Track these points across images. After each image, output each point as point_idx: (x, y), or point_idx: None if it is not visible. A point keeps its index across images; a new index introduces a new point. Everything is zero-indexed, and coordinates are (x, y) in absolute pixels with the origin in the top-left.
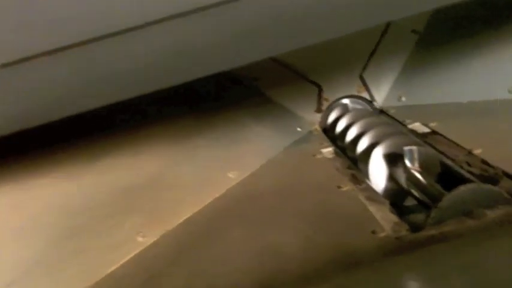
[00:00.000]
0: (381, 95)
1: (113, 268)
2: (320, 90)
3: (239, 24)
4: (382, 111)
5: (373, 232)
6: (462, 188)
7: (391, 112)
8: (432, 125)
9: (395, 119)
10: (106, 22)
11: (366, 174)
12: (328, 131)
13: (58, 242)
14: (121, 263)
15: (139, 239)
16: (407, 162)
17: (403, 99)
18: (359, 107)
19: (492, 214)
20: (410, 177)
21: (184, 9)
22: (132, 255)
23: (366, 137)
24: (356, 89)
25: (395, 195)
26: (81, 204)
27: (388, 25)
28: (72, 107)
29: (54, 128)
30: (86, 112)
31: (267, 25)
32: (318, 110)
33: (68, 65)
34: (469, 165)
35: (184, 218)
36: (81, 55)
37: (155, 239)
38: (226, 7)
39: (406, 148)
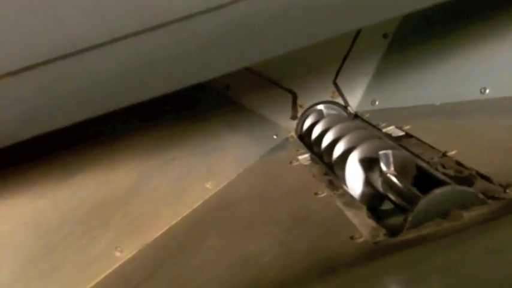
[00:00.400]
0: (355, 100)
1: (92, 284)
2: (294, 97)
3: (205, 37)
4: (356, 116)
5: (352, 238)
6: (438, 191)
7: (366, 116)
8: (406, 128)
9: (370, 123)
10: (70, 40)
11: (342, 180)
12: (304, 137)
13: (35, 260)
14: (100, 278)
15: (117, 253)
16: (383, 166)
17: (377, 103)
18: (334, 112)
19: (468, 215)
20: (387, 181)
21: (147, 26)
22: (110, 270)
23: (342, 143)
24: (330, 94)
25: (372, 200)
26: (56, 221)
27: (359, 30)
28: (41, 126)
29: (25, 145)
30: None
31: (239, 36)
32: (293, 117)
33: (34, 84)
34: (444, 167)
35: (162, 230)
36: (46, 74)
37: (133, 253)
38: (192, 20)
39: (381, 152)
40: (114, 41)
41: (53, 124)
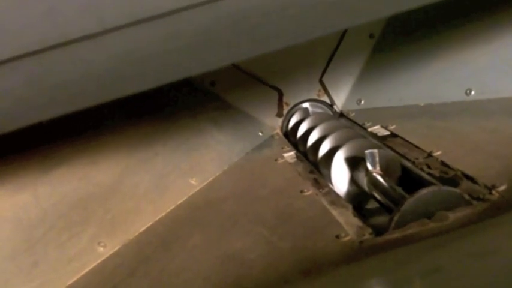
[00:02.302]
0: (340, 99)
1: (74, 279)
2: (280, 94)
3: (196, 32)
4: (342, 115)
5: (337, 237)
6: (424, 191)
7: (351, 115)
8: (391, 127)
9: (355, 122)
10: (60, 30)
11: (328, 178)
12: (290, 135)
13: (15, 256)
14: (81, 274)
15: (100, 249)
16: (369, 166)
17: (362, 102)
18: (319, 110)
19: (453, 216)
20: (372, 181)
21: (140, 17)
22: (92, 265)
23: (327, 141)
24: (316, 93)
25: (358, 199)
26: (37, 215)
27: (346, 29)
28: (27, 118)
29: (6, 138)
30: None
31: (225, 32)
32: (279, 115)
33: (22, 75)
34: (429, 167)
35: (144, 227)
36: (35, 64)
37: (115, 249)
38: (182, 14)
39: (367, 151)
40: (105, 32)
41: (38, 116)
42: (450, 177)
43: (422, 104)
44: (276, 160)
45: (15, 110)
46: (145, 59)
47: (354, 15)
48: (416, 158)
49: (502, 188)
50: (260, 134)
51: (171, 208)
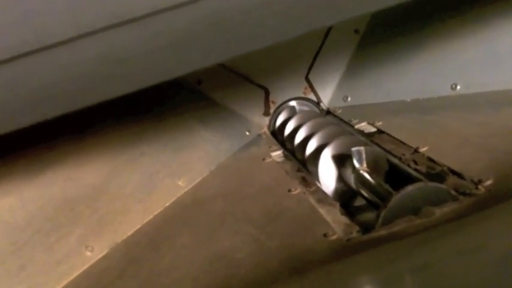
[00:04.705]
0: (327, 96)
1: (64, 283)
2: (267, 93)
3: (177, 32)
4: (328, 112)
5: (325, 235)
6: (410, 187)
7: (338, 112)
8: (378, 124)
9: (342, 119)
10: (38, 36)
11: (315, 176)
12: (277, 134)
13: (2, 259)
14: (71, 277)
15: (88, 253)
16: (356, 163)
17: (349, 99)
18: (306, 108)
19: (440, 212)
20: (359, 178)
21: (121, 20)
22: (80, 268)
23: (314, 139)
24: (302, 90)
25: (345, 196)
26: (24, 218)
27: (330, 26)
28: (8, 124)
29: None
30: None
31: (208, 32)
32: (266, 113)
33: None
34: (416, 163)
35: (132, 228)
36: (14, 70)
37: (104, 252)
38: (163, 16)
39: (353, 149)
40: (81, 36)
41: (19, 122)
42: (437, 173)
43: (408, 100)
44: (263, 159)
45: None
46: (128, 61)
47: (337, 12)
48: (403, 154)
49: (489, 182)
50: (247, 133)
51: (159, 208)
